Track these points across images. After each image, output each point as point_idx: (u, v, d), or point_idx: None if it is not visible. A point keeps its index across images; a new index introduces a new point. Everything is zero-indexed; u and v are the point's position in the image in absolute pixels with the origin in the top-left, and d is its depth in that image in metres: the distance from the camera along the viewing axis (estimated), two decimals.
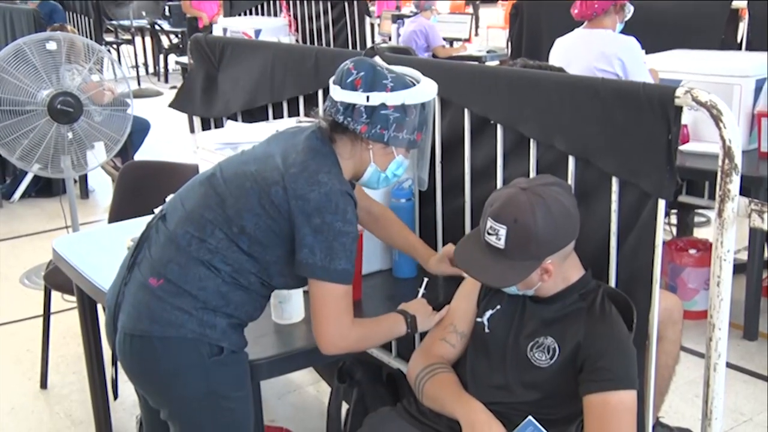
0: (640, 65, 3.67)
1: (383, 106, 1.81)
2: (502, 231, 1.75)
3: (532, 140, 2.13)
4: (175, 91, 3.79)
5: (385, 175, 1.91)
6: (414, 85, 1.86)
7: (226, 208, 1.80)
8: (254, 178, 1.80)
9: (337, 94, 1.84)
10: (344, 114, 1.82)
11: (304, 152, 1.81)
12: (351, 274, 1.80)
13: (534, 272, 1.78)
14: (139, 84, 10.22)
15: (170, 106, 3.63)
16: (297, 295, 2.16)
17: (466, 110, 2.32)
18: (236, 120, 3.30)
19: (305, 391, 3.29)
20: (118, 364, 1.92)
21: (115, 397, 2.73)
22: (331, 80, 1.89)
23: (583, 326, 1.79)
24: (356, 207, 1.81)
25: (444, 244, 2.47)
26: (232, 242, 1.79)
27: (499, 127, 2.23)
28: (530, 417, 1.77)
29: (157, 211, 1.98)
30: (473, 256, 1.83)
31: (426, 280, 2.15)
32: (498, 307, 1.93)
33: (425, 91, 1.87)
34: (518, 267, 1.77)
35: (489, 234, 1.79)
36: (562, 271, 1.82)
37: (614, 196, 1.92)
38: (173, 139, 7.44)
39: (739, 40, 4.90)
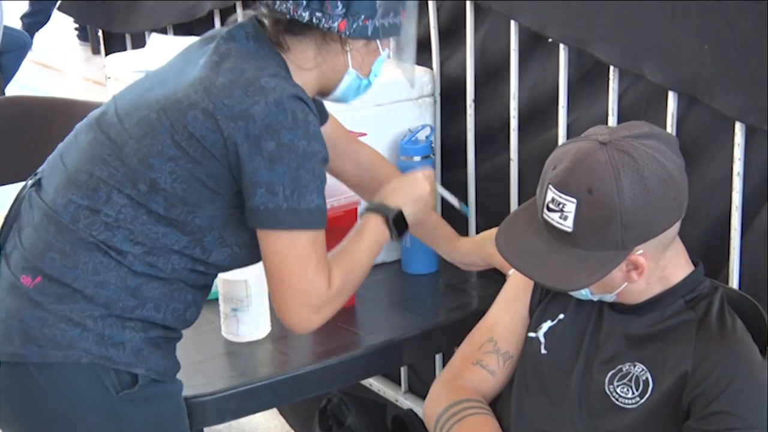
0: None
1: None
2: (570, 206, 1.74)
3: (612, 67, 2.14)
4: None
5: (367, 81, 1.97)
6: None
7: (126, 158, 1.80)
8: (161, 105, 1.80)
9: None
10: (309, 8, 1.82)
11: (233, 58, 1.82)
12: (325, 213, 1.82)
13: (617, 268, 1.77)
14: None
15: (60, 9, 3.59)
16: (260, 298, 2.16)
17: (512, 23, 2.32)
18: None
19: None
20: None
21: None
22: None
23: (692, 349, 1.78)
24: (319, 121, 1.84)
25: (478, 225, 2.48)
26: (140, 207, 1.79)
27: (561, 47, 2.23)
28: None
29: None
30: (525, 242, 1.83)
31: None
32: (561, 317, 1.94)
33: None
34: (593, 259, 1.76)
35: (550, 210, 1.77)
36: (659, 266, 1.81)
37: (738, 152, 1.92)
38: (66, 63, 7.41)
39: None
